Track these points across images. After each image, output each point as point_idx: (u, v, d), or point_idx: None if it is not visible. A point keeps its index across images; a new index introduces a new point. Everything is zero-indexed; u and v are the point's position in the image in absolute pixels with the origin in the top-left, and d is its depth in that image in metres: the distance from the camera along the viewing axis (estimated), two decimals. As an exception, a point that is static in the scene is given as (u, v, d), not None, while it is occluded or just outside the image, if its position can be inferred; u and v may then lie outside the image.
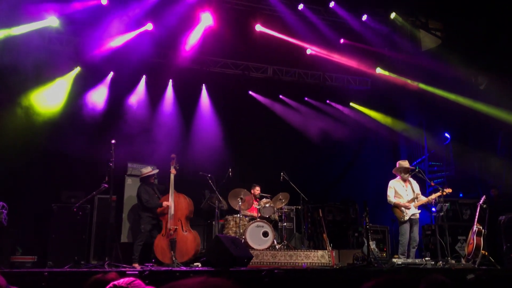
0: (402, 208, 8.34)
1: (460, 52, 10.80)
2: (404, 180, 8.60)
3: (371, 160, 12.97)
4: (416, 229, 8.46)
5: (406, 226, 8.35)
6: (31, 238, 8.86)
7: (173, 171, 8.64)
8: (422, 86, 11.80)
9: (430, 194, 10.76)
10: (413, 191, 8.55)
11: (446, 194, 8.29)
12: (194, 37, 11.18)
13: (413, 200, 8.44)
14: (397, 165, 8.71)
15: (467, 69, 11.13)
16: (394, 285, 1.37)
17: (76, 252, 8.25)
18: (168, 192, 8.58)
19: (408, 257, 8.29)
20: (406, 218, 8.32)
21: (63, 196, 9.18)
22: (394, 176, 8.80)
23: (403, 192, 8.50)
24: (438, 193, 8.31)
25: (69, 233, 8.67)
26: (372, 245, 8.90)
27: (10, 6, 9.22)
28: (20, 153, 9.10)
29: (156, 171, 9.04)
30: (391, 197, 8.47)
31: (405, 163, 8.72)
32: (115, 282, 2.21)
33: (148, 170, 8.84)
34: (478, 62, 10.97)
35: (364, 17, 11.79)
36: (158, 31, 10.84)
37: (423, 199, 8.45)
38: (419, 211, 8.52)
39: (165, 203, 8.49)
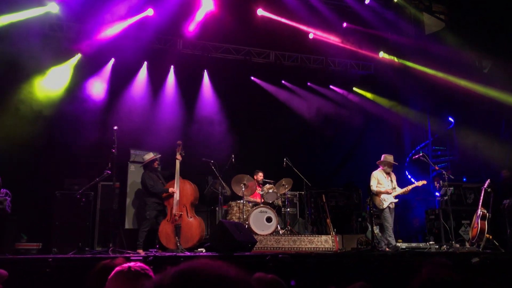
0: (382, 196, 8.42)
1: (464, 35, 10.70)
2: (387, 173, 8.66)
3: (374, 145, 12.89)
4: (392, 215, 8.55)
5: (386, 211, 8.45)
6: (35, 225, 8.86)
7: (178, 157, 8.61)
8: (426, 70, 11.70)
9: (434, 178, 10.77)
10: (392, 183, 8.63)
11: (422, 184, 8.50)
12: (195, 23, 11.08)
13: (393, 190, 8.51)
14: (382, 158, 8.80)
15: (471, 53, 11.03)
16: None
17: (80, 239, 8.24)
18: (173, 178, 8.56)
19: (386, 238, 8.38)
20: (385, 205, 8.41)
21: (66, 183, 9.16)
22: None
23: (385, 183, 8.65)
24: (413, 185, 8.54)
25: (73, 220, 8.66)
26: (376, 229, 8.92)
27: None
28: (23, 140, 9.07)
29: (158, 155, 9.01)
30: (373, 186, 8.63)
31: (390, 158, 8.82)
32: (123, 266, 2.22)
33: (150, 156, 8.80)
34: (482, 46, 10.87)
35: (367, 0, 11.65)
36: (159, 17, 10.73)
37: (400, 190, 8.54)
38: (397, 200, 8.57)
39: (171, 189, 8.47)
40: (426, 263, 3.47)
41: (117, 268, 2.22)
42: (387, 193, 8.42)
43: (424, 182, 8.47)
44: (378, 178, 8.66)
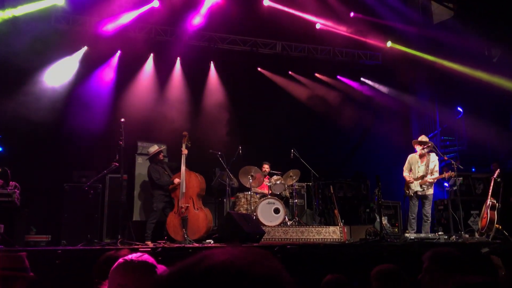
0: (409, 184, 8.34)
1: (473, 24, 10.57)
2: (421, 156, 8.50)
3: (382, 135, 12.81)
4: (425, 204, 8.44)
5: (412, 202, 8.42)
6: (44, 218, 8.92)
7: (184, 151, 8.59)
8: (434, 59, 11.58)
9: (442, 169, 10.68)
10: (427, 167, 8.45)
11: (449, 177, 8.33)
12: (201, 14, 11.03)
13: (421, 177, 8.38)
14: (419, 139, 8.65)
15: (480, 42, 10.90)
16: None
17: (89, 231, 8.28)
18: (180, 170, 8.57)
19: (421, 232, 8.30)
20: (411, 193, 8.31)
21: (74, 175, 9.21)
22: (412, 150, 8.73)
23: (416, 167, 8.49)
24: (439, 176, 8.35)
25: (81, 212, 8.71)
26: (384, 220, 8.87)
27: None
28: (31, 133, 9.12)
29: (162, 147, 9.01)
30: (404, 171, 8.54)
31: (421, 136, 8.65)
32: (126, 257, 2.20)
33: (154, 148, 8.80)
34: (491, 34, 10.74)
35: (374, -11, 11.53)
36: (165, 8, 10.70)
37: (429, 178, 8.35)
38: (422, 189, 8.39)
39: (176, 180, 8.48)
40: (426, 255, 3.31)
41: (120, 260, 2.19)
42: (409, 182, 8.36)
43: (452, 174, 8.25)
44: (410, 162, 8.52)
